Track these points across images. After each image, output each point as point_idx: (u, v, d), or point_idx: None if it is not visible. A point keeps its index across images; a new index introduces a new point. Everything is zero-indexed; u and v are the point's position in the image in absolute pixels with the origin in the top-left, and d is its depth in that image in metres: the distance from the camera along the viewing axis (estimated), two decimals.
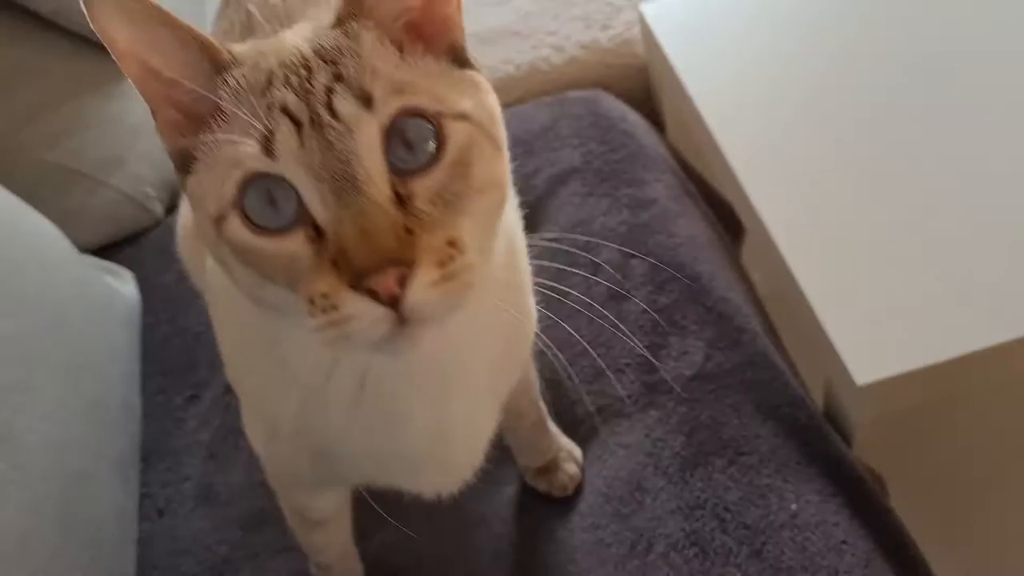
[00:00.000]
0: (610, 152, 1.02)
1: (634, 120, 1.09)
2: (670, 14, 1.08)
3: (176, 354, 0.98)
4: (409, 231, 0.39)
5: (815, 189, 0.87)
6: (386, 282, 0.38)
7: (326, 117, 0.39)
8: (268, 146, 0.39)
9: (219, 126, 0.41)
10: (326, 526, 0.70)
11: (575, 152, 1.04)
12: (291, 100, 0.40)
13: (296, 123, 0.39)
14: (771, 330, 0.91)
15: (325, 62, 0.41)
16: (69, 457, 0.73)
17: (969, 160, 0.85)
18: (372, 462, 0.56)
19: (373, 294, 0.38)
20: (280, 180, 0.40)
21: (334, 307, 0.39)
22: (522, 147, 1.05)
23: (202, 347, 0.98)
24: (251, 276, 0.42)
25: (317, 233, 0.40)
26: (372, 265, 0.38)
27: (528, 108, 1.11)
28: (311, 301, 0.39)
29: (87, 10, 0.40)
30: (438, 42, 0.44)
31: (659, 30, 1.06)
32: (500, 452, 0.80)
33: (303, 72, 0.41)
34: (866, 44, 0.99)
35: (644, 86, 1.17)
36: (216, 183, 0.41)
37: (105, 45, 0.41)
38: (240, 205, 0.41)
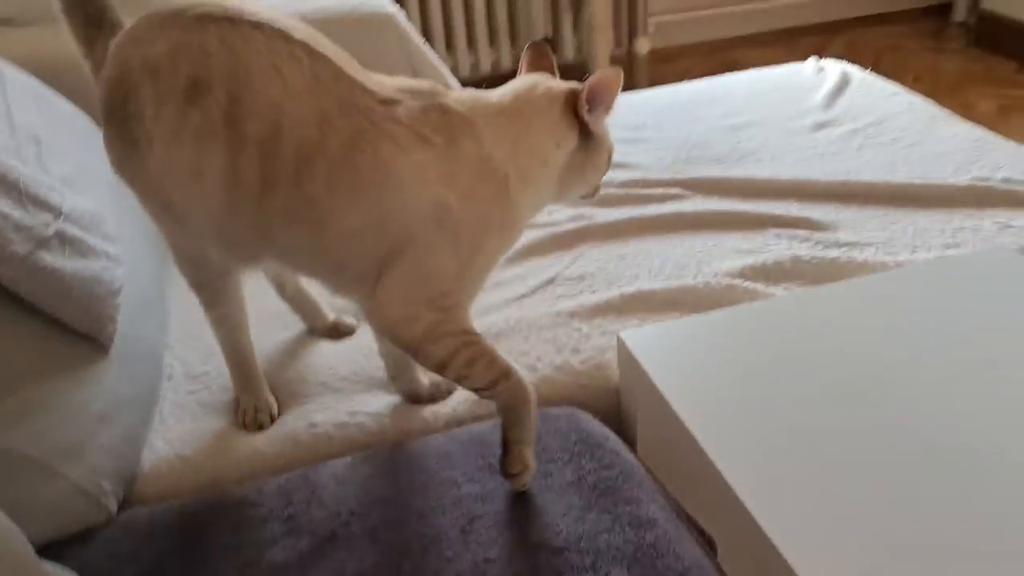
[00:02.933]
0: (602, 469, 1.04)
1: (615, 439, 1.12)
2: (649, 340, 1.17)
3: None
4: None
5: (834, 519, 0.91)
6: None
7: None
8: None
9: None
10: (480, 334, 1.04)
11: (566, 467, 1.05)
12: None
13: None
14: None
15: None
16: None
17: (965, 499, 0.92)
18: None
19: None
20: None
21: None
22: None
23: None
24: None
25: None
26: None
27: None
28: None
29: None
30: None
31: (639, 354, 1.14)
32: None
33: None
34: (854, 367, 1.09)
35: (615, 407, 1.22)
36: (609, 147, 1.09)
37: None
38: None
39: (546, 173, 1.03)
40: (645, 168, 1.70)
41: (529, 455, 1.00)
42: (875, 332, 1.15)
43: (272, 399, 1.20)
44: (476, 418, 1.18)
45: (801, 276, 1.35)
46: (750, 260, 1.39)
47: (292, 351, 1.30)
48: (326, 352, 1.29)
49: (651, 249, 1.45)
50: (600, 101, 1.01)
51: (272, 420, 1.18)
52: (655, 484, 1.07)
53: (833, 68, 2.07)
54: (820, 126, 1.82)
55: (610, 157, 1.10)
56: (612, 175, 1.66)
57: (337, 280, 1.06)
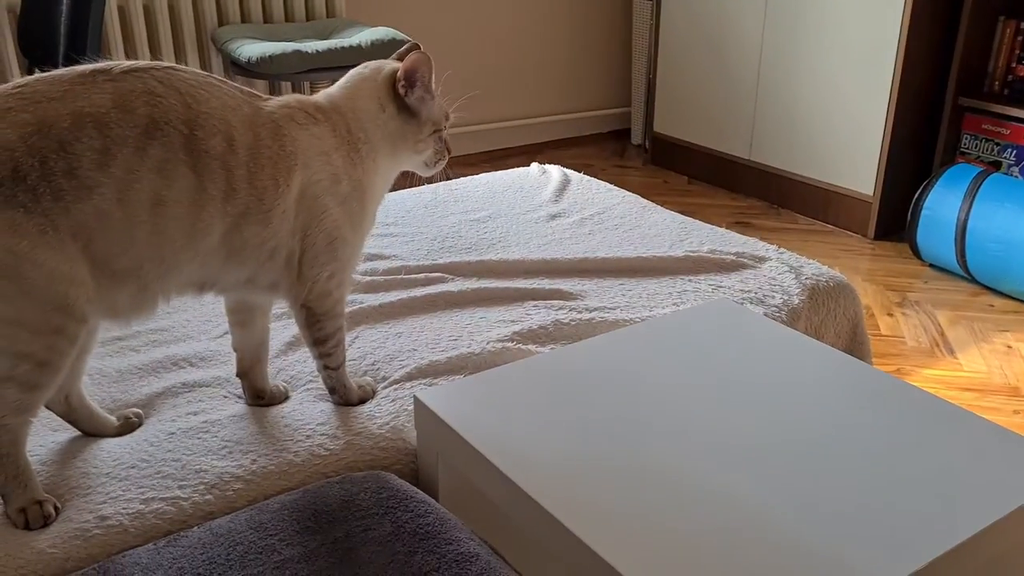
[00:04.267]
0: (418, 517, 1.09)
1: (422, 493, 1.17)
2: (443, 396, 1.24)
3: None
4: None
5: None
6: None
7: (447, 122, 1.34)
8: (446, 121, 1.33)
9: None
10: None
11: (383, 520, 1.08)
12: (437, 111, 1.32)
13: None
14: None
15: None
16: None
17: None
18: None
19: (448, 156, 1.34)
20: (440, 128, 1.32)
21: (442, 156, 1.35)
22: (326, 519, 1.08)
23: None
24: (431, 144, 1.32)
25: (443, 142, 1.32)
26: (450, 151, 1.35)
27: (320, 487, 1.14)
28: (439, 158, 1.34)
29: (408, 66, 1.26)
30: None
31: (437, 408, 1.21)
32: None
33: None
34: (621, 396, 1.23)
35: (412, 466, 1.27)
36: (432, 123, 1.31)
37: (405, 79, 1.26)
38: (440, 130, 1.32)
39: (378, 133, 1.27)
40: (404, 258, 1.80)
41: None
42: (634, 369, 1.31)
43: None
44: (284, 490, 1.18)
45: (564, 336, 1.50)
46: (517, 327, 1.52)
47: (68, 451, 1.22)
48: (107, 445, 1.22)
49: (424, 326, 1.54)
50: (416, 80, 1.27)
51: (57, 512, 1.10)
52: (467, 527, 1.13)
53: (554, 171, 2.32)
54: (553, 216, 2.04)
55: (438, 132, 1.33)
56: (374, 265, 1.75)
57: (269, 267, 1.21)
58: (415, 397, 1.25)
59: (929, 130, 3.25)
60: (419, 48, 1.29)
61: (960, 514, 1.03)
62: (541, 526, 1.05)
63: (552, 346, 1.48)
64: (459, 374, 1.39)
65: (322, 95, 1.28)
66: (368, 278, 1.69)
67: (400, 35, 3.03)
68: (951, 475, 1.09)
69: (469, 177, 2.31)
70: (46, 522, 1.08)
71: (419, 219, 2.02)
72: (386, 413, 1.30)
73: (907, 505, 1.04)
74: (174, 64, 1.13)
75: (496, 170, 2.43)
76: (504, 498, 1.11)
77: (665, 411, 1.22)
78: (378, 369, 1.43)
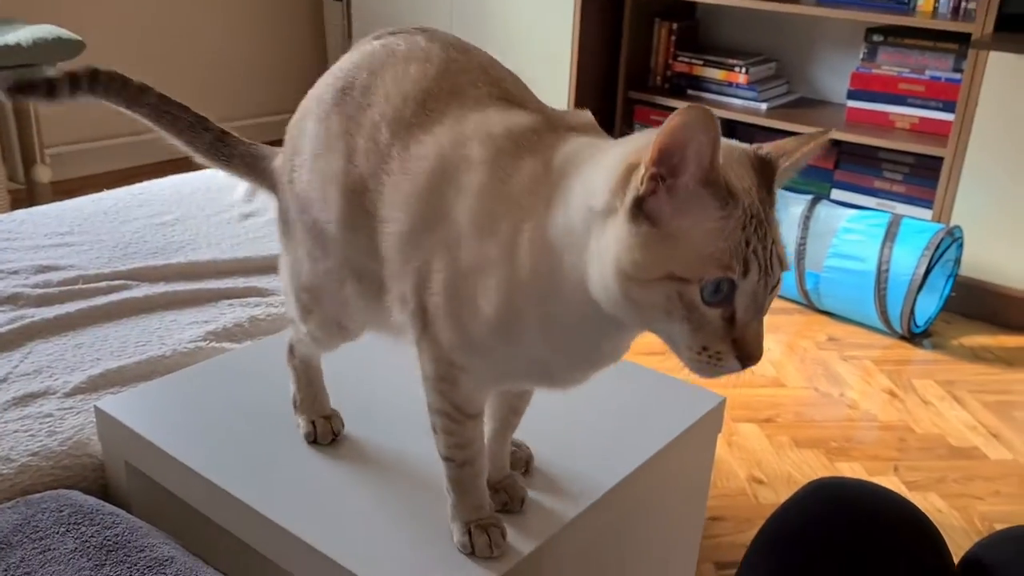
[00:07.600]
0: (105, 530, 1.03)
1: (110, 506, 1.10)
2: (128, 404, 1.18)
3: None
4: None
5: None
6: (753, 365, 0.68)
7: (772, 271, 0.68)
8: (744, 270, 0.66)
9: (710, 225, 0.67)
10: (476, 420, 0.92)
11: (65, 538, 1.01)
12: (760, 251, 0.67)
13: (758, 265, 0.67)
14: None
15: (768, 223, 0.68)
16: None
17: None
18: (557, 369, 0.85)
19: (745, 363, 0.68)
20: (732, 284, 0.67)
21: (719, 358, 0.68)
22: None
23: None
24: (658, 306, 0.68)
25: (731, 319, 0.68)
26: (755, 356, 0.69)
27: None
28: (704, 348, 0.68)
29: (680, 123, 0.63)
30: None
31: (122, 417, 1.14)
32: None
33: (763, 227, 0.67)
34: None
35: (101, 481, 1.20)
36: (690, 259, 0.66)
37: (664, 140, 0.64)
38: (700, 284, 0.66)
39: (586, 226, 0.73)
40: (81, 268, 1.68)
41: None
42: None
43: None
44: None
45: (262, 332, 1.48)
46: (210, 327, 1.47)
47: None
48: None
49: (108, 334, 1.45)
50: (675, 163, 0.66)
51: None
52: (162, 533, 1.09)
53: None
54: (246, 216, 1.99)
55: (675, 280, 0.67)
56: (47, 277, 1.62)
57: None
58: (95, 407, 1.17)
59: (607, 121, 3.54)
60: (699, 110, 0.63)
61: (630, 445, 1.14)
62: (237, 518, 1.03)
63: (249, 342, 1.45)
64: (150, 379, 1.33)
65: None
66: (40, 291, 1.56)
67: (68, 34, 2.80)
68: (615, 419, 1.21)
69: (153, 180, 2.19)
70: (335, 437, 1.14)
71: (98, 226, 1.89)
72: (69, 428, 1.21)
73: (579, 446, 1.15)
74: (420, 30, 0.99)
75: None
76: (198, 497, 1.08)
77: (353, 394, 1.24)
78: (56, 379, 1.32)
